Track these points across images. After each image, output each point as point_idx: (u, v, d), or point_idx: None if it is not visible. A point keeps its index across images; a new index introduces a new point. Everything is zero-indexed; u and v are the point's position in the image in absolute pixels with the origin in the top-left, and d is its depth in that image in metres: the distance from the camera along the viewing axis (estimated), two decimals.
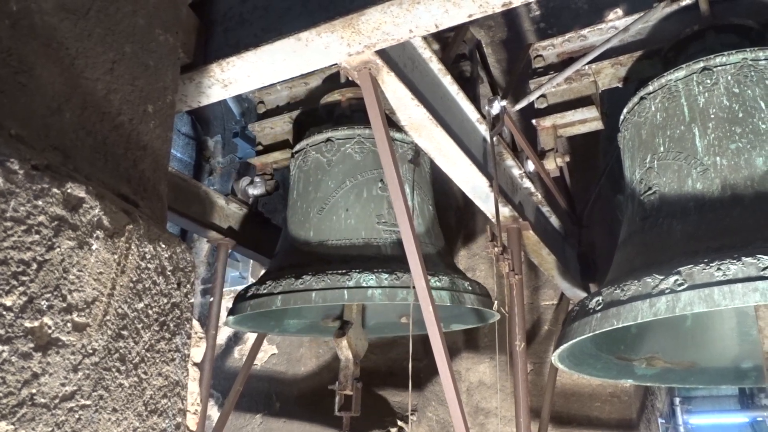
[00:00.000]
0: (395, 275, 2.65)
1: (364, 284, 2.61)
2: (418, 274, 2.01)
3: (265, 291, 2.80)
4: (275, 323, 3.73)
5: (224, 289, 4.14)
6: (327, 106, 3.46)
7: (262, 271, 5.31)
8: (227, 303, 5.39)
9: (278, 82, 3.36)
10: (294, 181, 3.29)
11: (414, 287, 2.05)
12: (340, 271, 2.66)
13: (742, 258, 1.88)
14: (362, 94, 3.23)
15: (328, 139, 3.13)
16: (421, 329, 3.63)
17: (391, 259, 2.81)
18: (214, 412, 4.99)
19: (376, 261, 2.79)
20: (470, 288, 2.92)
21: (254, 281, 3.17)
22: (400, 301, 2.62)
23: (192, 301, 1.27)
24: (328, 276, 2.65)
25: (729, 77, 2.42)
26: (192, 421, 2.93)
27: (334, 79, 3.45)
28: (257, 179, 3.75)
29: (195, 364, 3.28)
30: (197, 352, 3.35)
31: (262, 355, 5.10)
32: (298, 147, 3.32)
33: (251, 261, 5.26)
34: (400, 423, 4.52)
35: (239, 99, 5.61)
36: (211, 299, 3.58)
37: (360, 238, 2.90)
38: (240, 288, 5.42)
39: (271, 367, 5.12)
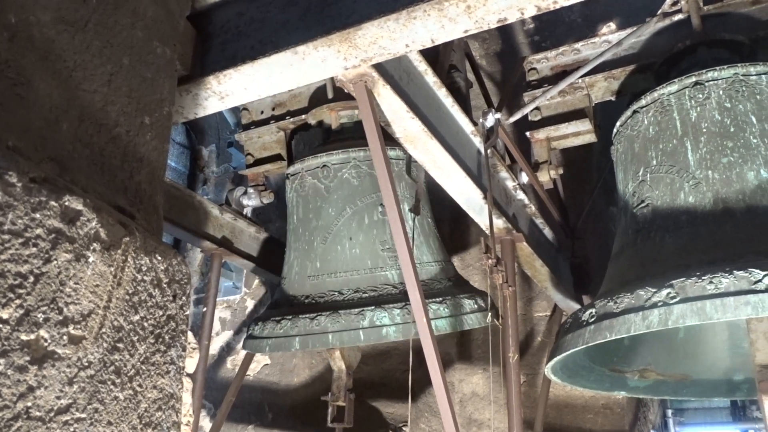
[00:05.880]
0: (406, 309, 2.67)
1: (378, 323, 2.65)
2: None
3: (281, 332, 2.83)
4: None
5: (217, 299, 4.13)
6: (318, 122, 3.47)
7: (255, 281, 5.32)
8: (220, 313, 5.40)
9: None
10: (293, 205, 3.29)
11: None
12: (353, 311, 2.69)
13: (734, 271, 1.89)
14: (352, 108, 3.25)
15: (323, 165, 3.13)
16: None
17: (399, 289, 2.84)
18: (206, 423, 4.96)
19: (386, 293, 2.82)
20: (476, 307, 2.93)
21: (265, 311, 3.18)
22: (414, 336, 2.65)
23: (187, 313, 1.27)
24: (342, 317, 2.69)
25: (721, 92, 2.45)
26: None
27: (319, 87, 3.46)
28: (251, 190, 3.75)
29: (188, 374, 3.26)
30: (190, 362, 3.34)
31: (255, 366, 5.08)
32: (293, 170, 3.31)
33: (245, 271, 5.25)
34: None
35: (234, 109, 5.61)
36: (204, 309, 3.57)
37: (366, 268, 2.92)
38: (233, 297, 5.44)
39: (264, 378, 5.10)
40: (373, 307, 2.69)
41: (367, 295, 2.83)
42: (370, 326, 2.65)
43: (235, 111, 5.67)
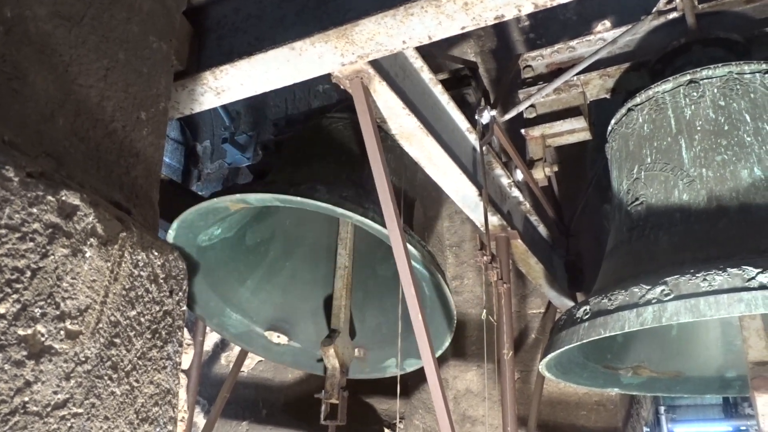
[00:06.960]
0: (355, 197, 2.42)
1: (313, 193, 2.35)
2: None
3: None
4: (215, 307, 3.24)
5: None
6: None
7: None
8: None
9: None
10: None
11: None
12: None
13: (728, 269, 1.90)
14: None
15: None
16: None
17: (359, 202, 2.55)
18: (200, 419, 4.96)
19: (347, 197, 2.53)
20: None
21: None
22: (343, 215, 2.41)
23: (184, 309, 1.27)
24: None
25: (715, 90, 2.46)
26: (179, 428, 2.91)
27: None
28: None
29: (182, 370, 3.25)
30: (184, 358, 3.32)
31: (249, 362, 5.08)
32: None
33: None
34: (387, 431, 4.52)
35: (229, 104, 5.60)
36: None
37: None
38: None
39: (258, 374, 5.09)
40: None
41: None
42: (303, 196, 2.35)
43: (230, 107, 5.66)
